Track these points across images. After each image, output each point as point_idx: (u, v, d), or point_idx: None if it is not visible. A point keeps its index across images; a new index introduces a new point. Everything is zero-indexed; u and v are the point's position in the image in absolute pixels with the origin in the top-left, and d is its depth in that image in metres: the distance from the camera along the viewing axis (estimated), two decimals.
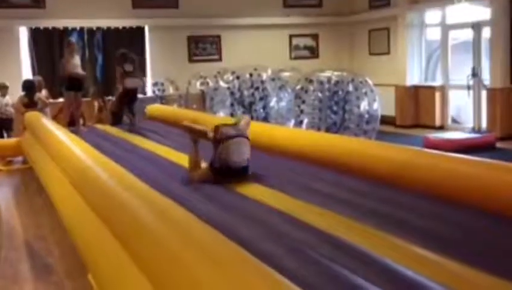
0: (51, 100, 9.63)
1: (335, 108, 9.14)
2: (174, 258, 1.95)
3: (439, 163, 3.43)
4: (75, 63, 8.14)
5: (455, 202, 3.04)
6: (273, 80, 9.62)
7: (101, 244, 2.82)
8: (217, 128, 3.85)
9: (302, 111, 9.29)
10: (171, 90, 11.23)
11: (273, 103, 9.50)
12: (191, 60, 11.71)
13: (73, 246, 3.60)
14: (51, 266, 4.07)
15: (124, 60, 7.58)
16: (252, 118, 9.27)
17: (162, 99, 11.01)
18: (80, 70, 8.16)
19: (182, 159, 4.63)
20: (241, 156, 3.81)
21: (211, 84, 10.04)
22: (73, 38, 9.44)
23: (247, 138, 3.91)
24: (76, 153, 4.30)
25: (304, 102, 9.29)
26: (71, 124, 8.19)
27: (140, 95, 10.59)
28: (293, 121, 9.30)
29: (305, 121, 9.24)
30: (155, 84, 11.25)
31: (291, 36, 12.56)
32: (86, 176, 3.57)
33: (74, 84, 8.09)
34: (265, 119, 9.32)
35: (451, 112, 10.76)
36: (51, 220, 5.03)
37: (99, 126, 8.38)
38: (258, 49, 11.76)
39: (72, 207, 3.77)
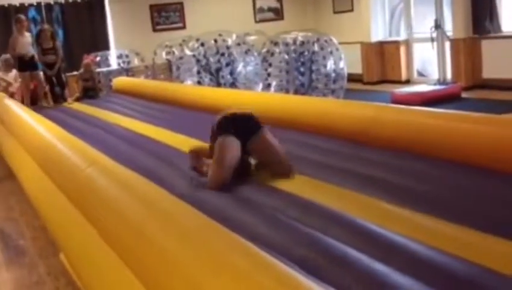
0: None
1: (302, 69, 9.12)
2: (140, 231, 1.94)
3: (405, 117, 3.46)
4: (25, 42, 7.82)
5: (424, 156, 3.06)
6: (238, 44, 9.52)
7: (70, 222, 2.80)
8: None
9: (269, 74, 9.26)
10: (136, 61, 11.04)
11: (240, 67, 9.42)
12: (155, 30, 11.50)
13: (44, 227, 3.57)
14: (23, 247, 4.04)
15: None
16: (219, 84, 9.25)
17: (128, 71, 10.82)
18: (29, 50, 7.86)
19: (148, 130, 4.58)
20: None
21: (176, 53, 9.88)
22: (23, 15, 8.86)
23: None
24: (40, 132, 4.22)
25: (270, 65, 9.25)
26: (34, 103, 8.01)
27: (104, 68, 10.51)
28: (261, 85, 9.26)
29: (273, 84, 9.22)
30: (119, 56, 11.03)
31: None
32: (50, 154, 3.52)
33: (27, 63, 7.83)
34: (233, 84, 9.26)
35: (417, 65, 10.81)
36: (21, 202, 4.97)
37: (65, 104, 8.22)
38: (222, 14, 11.58)
39: (40, 188, 3.72)
